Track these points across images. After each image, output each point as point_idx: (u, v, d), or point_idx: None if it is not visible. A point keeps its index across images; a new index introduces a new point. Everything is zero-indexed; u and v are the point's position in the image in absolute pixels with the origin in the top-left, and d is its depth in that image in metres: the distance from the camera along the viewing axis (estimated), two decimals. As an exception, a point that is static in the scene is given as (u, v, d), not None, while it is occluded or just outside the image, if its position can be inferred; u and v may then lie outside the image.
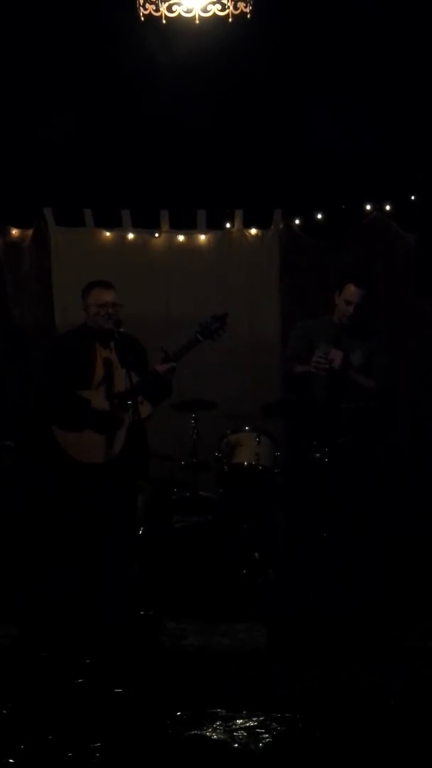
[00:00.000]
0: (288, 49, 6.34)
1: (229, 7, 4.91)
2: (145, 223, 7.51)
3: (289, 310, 7.39)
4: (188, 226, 7.53)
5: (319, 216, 7.43)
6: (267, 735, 3.89)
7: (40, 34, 6.30)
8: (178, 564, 6.03)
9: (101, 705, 4.23)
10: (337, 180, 7.08)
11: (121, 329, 5.46)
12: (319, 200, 7.32)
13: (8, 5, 6.16)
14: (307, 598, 5.55)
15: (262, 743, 3.84)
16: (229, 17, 4.94)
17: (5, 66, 6.46)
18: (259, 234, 7.57)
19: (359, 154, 6.86)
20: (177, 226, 7.53)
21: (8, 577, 5.87)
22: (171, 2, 4.92)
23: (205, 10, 4.93)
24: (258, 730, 3.94)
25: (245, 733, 3.91)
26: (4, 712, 4.14)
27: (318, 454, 5.85)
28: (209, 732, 3.93)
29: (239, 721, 4.00)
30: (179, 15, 4.95)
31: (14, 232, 7.44)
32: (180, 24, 5.01)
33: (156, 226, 7.53)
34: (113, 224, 7.49)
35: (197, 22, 4.95)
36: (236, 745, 3.83)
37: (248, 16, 4.97)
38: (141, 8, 4.96)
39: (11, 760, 3.67)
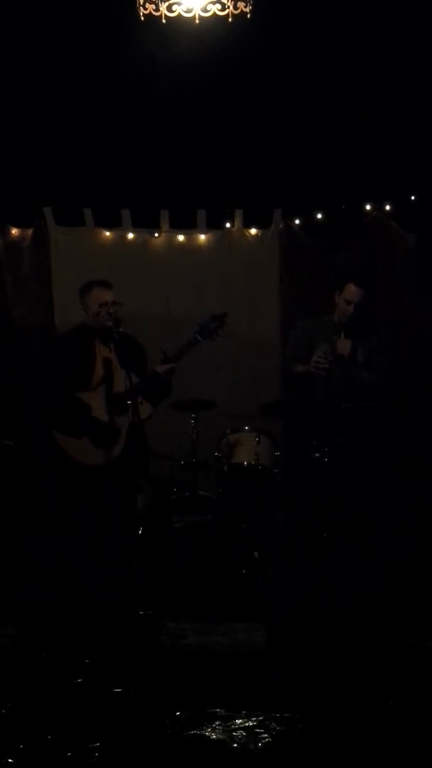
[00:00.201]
0: (288, 48, 6.34)
1: (229, 7, 4.92)
2: (145, 222, 7.51)
3: (289, 309, 7.39)
4: (188, 225, 7.53)
5: (319, 216, 7.42)
6: (266, 735, 3.89)
7: (40, 33, 6.31)
8: (177, 564, 6.04)
9: (100, 705, 4.23)
10: (337, 180, 7.08)
11: (121, 329, 5.46)
12: (319, 200, 7.32)
13: (8, 5, 6.17)
14: (306, 598, 5.55)
15: (262, 743, 3.83)
16: (229, 17, 4.94)
17: (5, 66, 6.46)
18: (259, 234, 7.57)
19: (359, 154, 6.86)
20: (177, 226, 7.53)
21: (7, 577, 5.87)
22: (171, 2, 4.93)
23: (205, 10, 4.94)
24: (257, 730, 3.93)
25: (244, 733, 3.91)
26: (4, 711, 4.14)
27: (318, 454, 5.86)
28: (208, 732, 3.93)
29: (238, 721, 4.00)
30: (179, 15, 4.95)
31: (14, 231, 7.44)
32: (180, 24, 5.01)
33: (156, 226, 7.53)
34: (113, 224, 7.49)
35: (197, 21, 4.96)
36: (235, 745, 3.82)
37: (248, 15, 4.98)
38: (141, 8, 4.97)
39: (10, 760, 3.67)
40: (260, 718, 4.01)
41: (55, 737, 3.87)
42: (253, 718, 4.02)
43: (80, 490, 5.53)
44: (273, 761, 3.73)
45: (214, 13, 4.93)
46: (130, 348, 5.53)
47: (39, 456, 6.06)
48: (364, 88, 6.59)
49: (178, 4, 4.94)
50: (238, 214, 7.52)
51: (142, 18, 4.99)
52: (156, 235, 7.56)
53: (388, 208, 7.36)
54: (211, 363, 6.95)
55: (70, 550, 5.56)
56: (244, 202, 7.42)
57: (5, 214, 7.32)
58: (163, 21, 4.97)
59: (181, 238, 7.56)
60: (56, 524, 5.77)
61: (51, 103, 6.69)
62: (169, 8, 4.93)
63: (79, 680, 4.49)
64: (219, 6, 4.92)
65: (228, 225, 7.57)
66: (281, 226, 7.48)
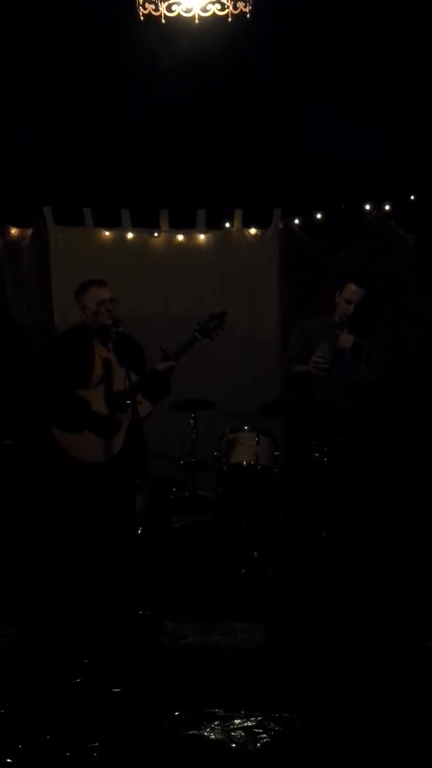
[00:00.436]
0: (287, 48, 6.34)
1: (228, 7, 4.92)
2: (145, 222, 7.51)
3: (289, 309, 7.39)
4: (188, 225, 7.53)
5: (319, 216, 7.42)
6: (265, 735, 3.89)
7: (40, 33, 6.31)
8: (176, 563, 6.04)
9: (99, 705, 4.23)
10: (337, 180, 7.08)
11: (120, 328, 5.47)
12: (319, 200, 7.32)
13: (8, 5, 6.17)
14: (305, 597, 5.54)
15: (260, 743, 3.83)
16: (228, 17, 4.94)
17: (5, 65, 6.46)
18: (259, 234, 7.57)
19: (359, 154, 6.86)
20: (176, 226, 7.53)
21: (7, 577, 5.87)
22: (170, 2, 4.93)
23: (204, 10, 4.94)
24: (256, 730, 3.93)
25: (243, 733, 3.90)
26: (2, 711, 4.14)
27: (317, 454, 5.85)
28: (207, 732, 3.93)
29: (237, 721, 4.00)
30: (179, 15, 4.95)
31: (14, 231, 7.44)
32: (179, 24, 5.01)
33: (155, 226, 7.53)
34: (113, 223, 7.49)
35: (197, 21, 4.96)
36: (234, 745, 3.82)
37: (248, 15, 4.98)
38: (140, 8, 4.97)
39: (9, 760, 3.67)
40: (259, 719, 4.01)
41: (54, 737, 3.87)
42: (252, 718, 4.01)
43: (80, 489, 5.53)
44: (272, 761, 3.73)
45: (214, 13, 4.93)
46: (128, 347, 5.54)
47: (38, 455, 6.06)
48: (363, 88, 6.59)
49: (178, 4, 4.94)
50: (238, 213, 7.53)
51: (142, 18, 4.99)
52: (155, 234, 7.56)
53: (387, 208, 7.36)
54: (211, 363, 6.96)
55: (69, 550, 5.55)
56: (244, 202, 7.42)
57: (5, 213, 7.33)
58: (163, 21, 4.97)
59: (180, 237, 7.57)
60: (56, 524, 5.76)
61: (51, 103, 6.69)
62: (169, 8, 4.93)
63: (78, 680, 4.49)
64: (218, 6, 4.92)
65: (227, 225, 7.58)
66: (281, 226, 7.48)
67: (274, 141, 6.88)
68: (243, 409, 6.79)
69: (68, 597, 5.40)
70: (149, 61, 6.15)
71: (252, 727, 3.96)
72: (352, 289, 6.04)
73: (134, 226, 7.52)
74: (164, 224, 7.52)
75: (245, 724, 3.97)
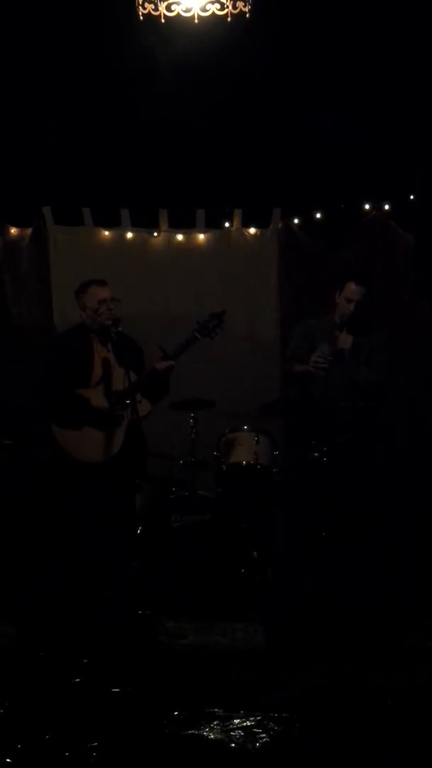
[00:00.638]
0: (287, 48, 6.34)
1: (228, 7, 4.92)
2: (144, 222, 7.51)
3: (288, 309, 7.40)
4: (187, 225, 7.53)
5: (318, 215, 7.42)
6: (264, 735, 3.89)
7: (40, 32, 6.30)
8: (176, 563, 6.03)
9: (98, 704, 4.23)
10: (336, 179, 7.08)
11: (120, 328, 5.47)
12: (318, 199, 7.32)
13: (7, 4, 6.16)
14: (305, 597, 5.54)
15: (260, 743, 3.83)
16: (228, 17, 4.94)
17: (4, 65, 6.46)
18: (258, 233, 7.57)
19: (358, 154, 6.86)
20: (176, 225, 7.53)
21: (6, 576, 5.87)
22: (170, 2, 4.93)
23: (204, 10, 4.94)
24: (255, 730, 3.93)
25: (242, 733, 3.90)
26: (1, 711, 4.14)
27: (316, 454, 5.86)
28: (206, 732, 3.93)
29: (236, 721, 4.00)
30: (178, 14, 4.95)
31: (13, 231, 7.44)
32: (179, 23, 5.01)
33: (155, 225, 7.53)
34: (112, 223, 7.49)
35: (196, 21, 4.95)
36: (233, 745, 3.82)
37: (247, 15, 4.97)
38: (140, 7, 4.96)
39: (8, 760, 3.67)
40: (258, 718, 4.01)
41: (53, 737, 3.87)
42: (252, 718, 4.02)
43: (79, 489, 5.54)
44: (271, 761, 3.73)
45: (213, 12, 4.93)
46: (127, 347, 5.55)
47: (38, 455, 6.06)
48: (363, 88, 6.59)
49: (177, 3, 4.93)
50: (237, 213, 7.52)
51: (141, 17, 4.99)
52: (155, 234, 7.56)
53: (387, 207, 7.36)
54: (211, 363, 6.96)
55: (69, 550, 5.55)
56: (243, 202, 7.42)
57: (4, 213, 7.33)
58: (162, 20, 4.97)
59: (180, 237, 7.56)
60: (55, 523, 5.76)
61: (50, 103, 6.69)
62: (168, 8, 4.93)
63: (78, 680, 4.49)
64: (218, 6, 4.92)
65: (227, 224, 7.57)
66: (280, 225, 7.48)
67: (274, 141, 6.88)
68: (243, 409, 6.79)
69: (68, 597, 5.40)
70: (149, 60, 6.14)
71: (251, 726, 3.96)
72: (352, 288, 6.04)
73: (134, 225, 7.51)
74: (164, 224, 7.52)
75: (245, 724, 3.98)
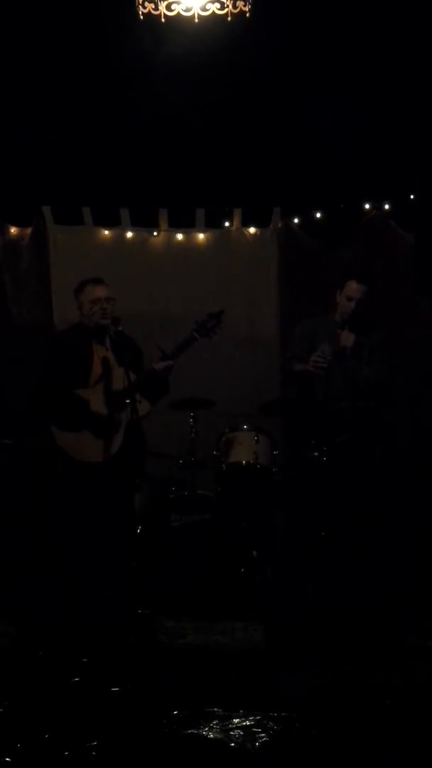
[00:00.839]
0: (287, 47, 6.34)
1: (228, 6, 4.91)
2: (144, 221, 7.50)
3: (288, 308, 7.39)
4: (187, 224, 7.52)
5: (318, 215, 7.42)
6: (264, 734, 3.89)
7: (40, 32, 6.30)
8: (176, 563, 6.03)
9: (98, 704, 4.23)
10: (336, 179, 7.08)
11: (120, 327, 5.47)
12: (318, 199, 7.32)
13: (8, 4, 6.16)
14: (305, 597, 5.55)
15: (259, 743, 3.84)
16: (228, 16, 4.94)
17: (4, 64, 6.45)
18: (258, 233, 7.56)
19: (358, 153, 6.86)
20: (176, 225, 7.52)
21: (6, 576, 5.86)
22: (170, 1, 4.92)
23: (204, 9, 4.93)
24: (255, 729, 3.93)
25: (242, 733, 3.91)
26: (1, 710, 4.14)
27: (316, 453, 5.86)
28: (206, 731, 3.93)
29: (236, 721, 4.00)
30: (178, 14, 4.95)
31: (13, 230, 7.44)
32: (179, 23, 5.01)
33: (155, 225, 7.52)
34: (112, 223, 7.48)
35: (196, 21, 4.95)
36: (233, 744, 3.83)
37: (247, 14, 4.97)
38: (140, 7, 4.96)
39: (8, 759, 3.67)
40: (258, 718, 4.02)
41: (52, 736, 3.87)
42: (251, 718, 4.02)
43: (78, 488, 5.54)
44: (270, 761, 3.73)
45: (213, 12, 4.92)
46: (127, 347, 5.54)
47: (37, 455, 6.06)
48: (363, 87, 6.59)
49: (177, 3, 4.93)
50: (237, 213, 7.52)
51: (141, 17, 4.99)
52: (155, 233, 7.55)
53: (387, 207, 7.36)
54: (210, 362, 6.96)
55: (68, 550, 5.55)
56: (243, 201, 7.41)
57: (4, 212, 7.32)
58: (162, 20, 4.96)
59: (180, 236, 7.56)
60: (54, 523, 5.76)
61: (50, 103, 6.69)
62: (168, 7, 4.93)
63: (77, 679, 4.49)
64: (218, 5, 4.92)
65: (227, 224, 7.57)
66: (280, 225, 7.48)
67: (274, 140, 6.88)
68: (242, 409, 6.78)
69: (68, 597, 5.39)
70: (149, 60, 6.15)
71: (251, 726, 3.96)
72: (353, 287, 6.04)
73: (133, 225, 7.51)
74: (163, 223, 7.52)
75: (244, 724, 3.98)
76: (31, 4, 6.17)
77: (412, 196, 7.24)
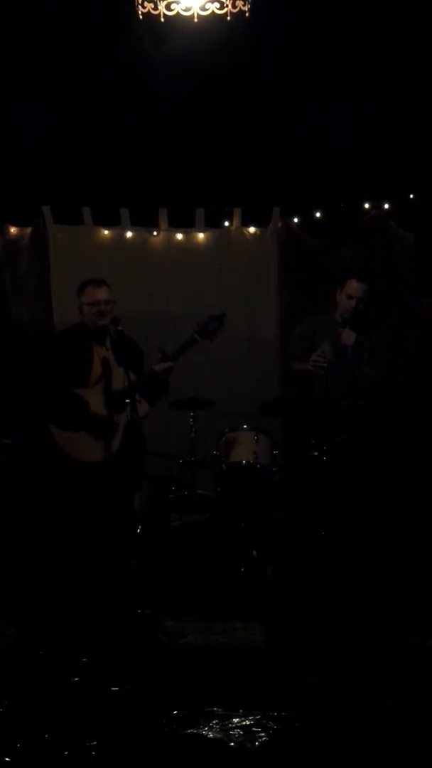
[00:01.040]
0: (286, 47, 6.34)
1: (227, 6, 4.92)
2: (144, 221, 7.50)
3: (288, 308, 7.39)
4: (187, 224, 7.52)
5: (318, 214, 7.42)
6: (263, 734, 3.89)
7: (39, 31, 6.30)
8: (176, 562, 6.03)
9: (98, 704, 4.23)
10: (336, 178, 7.08)
11: (120, 327, 5.47)
12: (318, 198, 7.32)
13: (7, 4, 6.16)
14: (305, 596, 5.54)
15: (259, 742, 3.84)
16: (227, 16, 4.94)
17: (4, 64, 6.45)
18: (258, 232, 7.56)
19: (358, 153, 6.86)
20: (175, 225, 7.52)
21: (6, 576, 5.86)
22: (169, 1, 4.93)
23: (203, 9, 4.94)
24: (254, 729, 3.94)
25: (242, 732, 3.91)
26: (1, 710, 4.14)
27: (316, 453, 5.85)
28: (206, 731, 3.93)
29: (236, 720, 4.01)
30: (177, 13, 4.96)
31: (13, 230, 7.44)
32: (178, 22, 5.01)
33: (154, 225, 7.52)
34: (112, 222, 7.48)
35: (195, 20, 4.95)
36: (233, 744, 3.83)
37: (246, 14, 4.98)
38: (139, 6, 4.97)
39: (7, 759, 3.67)
40: (258, 717, 4.02)
41: (52, 736, 3.87)
42: (251, 717, 4.02)
43: (78, 488, 5.53)
44: (270, 760, 3.73)
45: (213, 11, 4.93)
46: (127, 347, 5.53)
47: (37, 454, 6.06)
48: (363, 87, 6.59)
49: (177, 2, 4.94)
50: (237, 212, 7.51)
51: (141, 17, 4.99)
52: (155, 233, 7.55)
53: (386, 206, 7.36)
54: (210, 362, 6.95)
55: (68, 549, 5.55)
56: (243, 201, 7.41)
57: (4, 212, 7.32)
58: (162, 20, 4.97)
59: (179, 236, 7.55)
60: (54, 523, 5.76)
61: (50, 102, 6.69)
62: (168, 7, 4.94)
63: (77, 679, 4.49)
64: (217, 5, 4.92)
65: (227, 223, 7.57)
66: (280, 224, 7.47)
67: (274, 139, 6.88)
68: (242, 408, 6.78)
69: (67, 596, 5.39)
70: (148, 59, 6.15)
71: (251, 726, 3.96)
72: (353, 285, 6.04)
73: (133, 224, 7.51)
74: (163, 223, 7.51)
75: (244, 723, 3.98)
76: (31, 4, 6.17)
77: (411, 196, 7.24)
